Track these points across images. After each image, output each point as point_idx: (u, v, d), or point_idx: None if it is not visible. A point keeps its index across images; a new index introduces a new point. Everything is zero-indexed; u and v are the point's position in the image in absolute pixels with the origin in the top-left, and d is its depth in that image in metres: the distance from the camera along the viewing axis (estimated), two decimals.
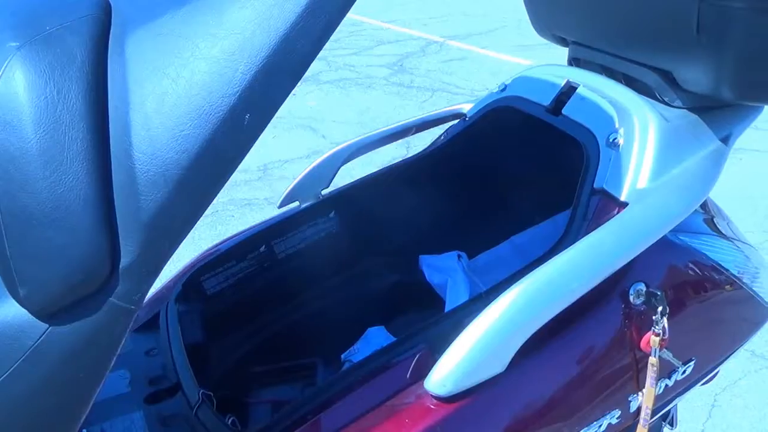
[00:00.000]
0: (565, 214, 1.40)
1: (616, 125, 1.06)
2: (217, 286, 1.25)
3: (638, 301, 0.99)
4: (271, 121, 0.68)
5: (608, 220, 0.97)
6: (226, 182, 0.69)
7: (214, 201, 0.70)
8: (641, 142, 1.03)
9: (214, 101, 0.64)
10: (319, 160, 1.36)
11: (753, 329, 1.16)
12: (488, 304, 0.88)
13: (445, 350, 0.88)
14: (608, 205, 1.01)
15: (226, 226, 3.34)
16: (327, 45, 0.69)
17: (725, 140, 1.08)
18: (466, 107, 1.37)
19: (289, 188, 1.33)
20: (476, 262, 1.41)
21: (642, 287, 0.99)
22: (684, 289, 1.06)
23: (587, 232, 0.96)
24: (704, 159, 1.04)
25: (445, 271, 1.33)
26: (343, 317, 1.32)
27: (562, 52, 1.32)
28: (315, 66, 5.90)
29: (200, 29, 0.67)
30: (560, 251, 0.94)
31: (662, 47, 1.06)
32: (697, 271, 1.07)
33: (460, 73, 5.68)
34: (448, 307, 1.27)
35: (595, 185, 1.03)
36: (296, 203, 1.34)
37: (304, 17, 0.64)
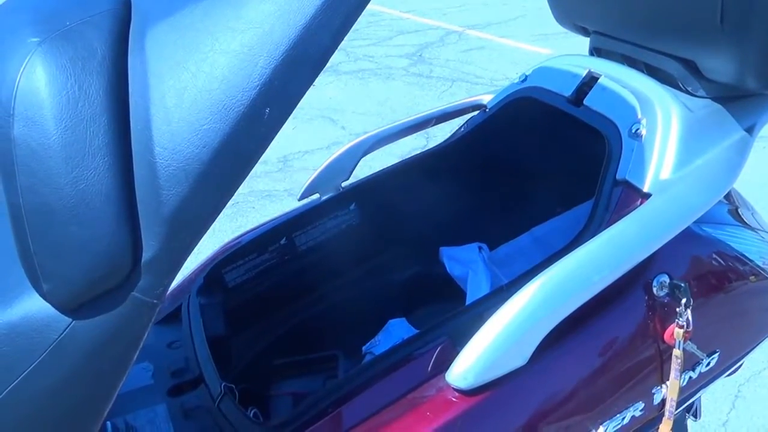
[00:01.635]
0: (586, 205, 1.40)
1: (639, 116, 1.05)
2: (238, 279, 1.26)
3: (662, 293, 0.98)
4: None
5: (631, 211, 0.96)
6: (246, 176, 0.69)
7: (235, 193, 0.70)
8: (664, 133, 1.02)
9: (234, 95, 0.64)
10: (338, 152, 1.36)
11: None
12: (510, 297, 0.88)
13: (466, 343, 0.88)
14: (631, 196, 1.00)
15: (246, 218, 3.35)
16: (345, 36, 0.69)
17: (750, 130, 1.07)
18: (487, 98, 1.36)
19: (309, 181, 1.33)
20: (497, 254, 1.41)
21: (665, 279, 0.98)
22: (708, 281, 1.05)
23: (610, 224, 0.95)
24: (728, 149, 1.03)
25: (466, 263, 1.32)
26: (364, 309, 1.32)
27: (583, 42, 1.31)
28: (334, 57, 5.88)
29: (220, 23, 0.67)
30: (582, 242, 0.93)
31: (685, 36, 1.04)
32: (721, 261, 1.06)
33: (480, 62, 5.65)
34: (469, 299, 1.27)
35: (617, 176, 1.02)
36: (316, 196, 1.34)
37: (323, 10, 0.63)
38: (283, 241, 1.29)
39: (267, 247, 1.28)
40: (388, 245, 1.40)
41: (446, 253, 1.36)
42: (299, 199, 1.35)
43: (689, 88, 1.08)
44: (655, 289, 0.98)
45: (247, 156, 0.66)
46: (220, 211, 0.69)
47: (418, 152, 1.42)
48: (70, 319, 0.67)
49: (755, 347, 1.12)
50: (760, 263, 1.10)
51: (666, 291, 0.98)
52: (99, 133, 0.65)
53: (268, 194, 3.60)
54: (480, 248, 1.34)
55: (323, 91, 5.06)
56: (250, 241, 1.26)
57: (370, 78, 5.38)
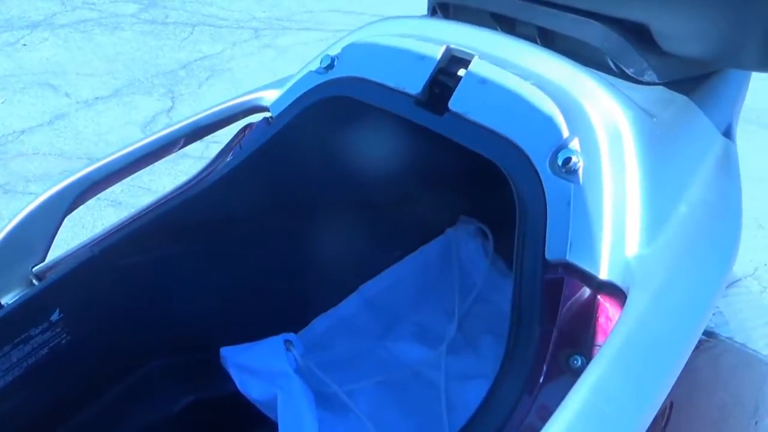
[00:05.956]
0: (437, 244, 0.93)
1: (564, 131, 0.58)
2: None
3: None
4: None
5: (586, 321, 0.50)
6: None
7: None
8: (615, 163, 0.56)
9: None
10: (22, 214, 0.77)
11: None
12: None
13: None
14: (580, 293, 0.53)
15: None
16: None
17: (728, 133, 0.64)
18: (269, 96, 0.82)
19: None
20: (312, 332, 0.91)
21: None
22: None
23: (552, 357, 0.49)
24: (715, 176, 0.59)
25: (270, 377, 0.80)
26: None
27: None
28: (47, 7, 5.00)
29: None
30: (501, 397, 0.47)
31: None
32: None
33: (220, 2, 5.04)
34: None
35: (547, 255, 0.55)
36: None
37: None
38: None
39: None
40: (134, 363, 0.84)
41: (232, 359, 0.82)
42: None
43: (631, 70, 0.62)
44: None
45: None
46: None
47: (166, 194, 0.85)
48: None
49: None
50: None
51: None
52: None
53: None
54: (288, 343, 0.83)
55: (37, 51, 4.23)
56: None
57: (95, 30, 4.60)
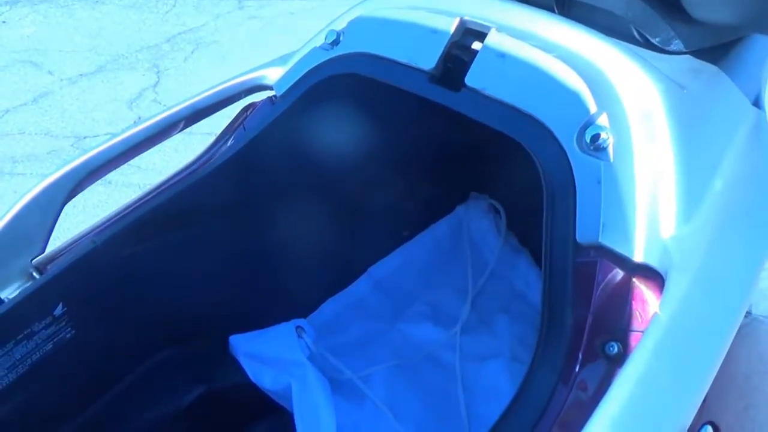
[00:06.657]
0: (446, 222, 0.91)
1: (591, 107, 0.55)
2: None
3: None
4: None
5: (621, 306, 0.48)
6: None
7: None
8: (647, 137, 0.54)
9: None
10: (19, 204, 0.74)
11: None
12: None
13: None
14: (614, 276, 0.51)
15: None
16: None
17: (757, 103, 0.62)
18: (272, 74, 0.79)
19: None
20: (321, 316, 0.89)
21: None
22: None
23: (587, 343, 0.47)
24: (749, 149, 0.57)
25: (282, 365, 0.78)
26: None
27: None
28: None
29: None
30: (537, 387, 0.45)
31: None
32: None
33: None
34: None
35: (579, 238, 0.52)
36: None
37: None
38: None
39: None
40: (139, 358, 0.82)
41: (241, 347, 0.80)
42: None
43: (657, 39, 0.60)
44: None
45: None
46: None
47: (166, 180, 0.82)
48: None
49: None
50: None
51: None
52: None
53: None
54: (299, 329, 0.80)
55: (17, 28, 4.14)
56: None
57: (75, 5, 4.51)
